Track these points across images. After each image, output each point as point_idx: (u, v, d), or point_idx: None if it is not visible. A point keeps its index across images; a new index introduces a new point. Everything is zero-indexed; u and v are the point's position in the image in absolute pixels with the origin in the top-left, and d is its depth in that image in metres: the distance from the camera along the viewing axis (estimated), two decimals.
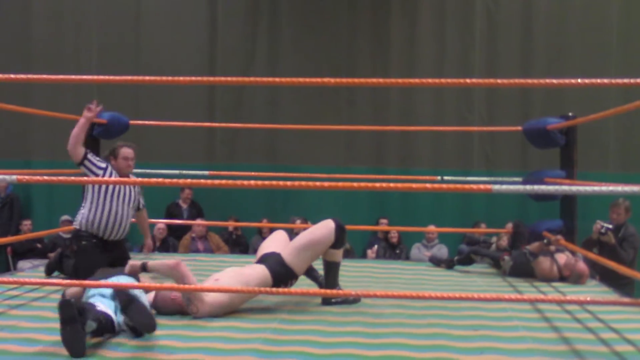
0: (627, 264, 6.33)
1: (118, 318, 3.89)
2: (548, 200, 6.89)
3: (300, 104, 10.26)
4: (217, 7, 10.59)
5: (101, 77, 4.22)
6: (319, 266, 4.89)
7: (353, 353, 3.62)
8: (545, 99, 9.92)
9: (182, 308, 4.30)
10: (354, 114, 10.26)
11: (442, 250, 9.29)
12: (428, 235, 9.57)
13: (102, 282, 4.10)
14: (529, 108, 9.98)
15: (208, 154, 10.50)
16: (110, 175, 5.38)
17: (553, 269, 5.79)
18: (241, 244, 9.88)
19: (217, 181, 3.98)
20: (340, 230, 4.70)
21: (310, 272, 4.96)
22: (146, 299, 4.09)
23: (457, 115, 10.23)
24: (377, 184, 4.09)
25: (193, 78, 4.20)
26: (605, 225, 6.49)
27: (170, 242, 9.27)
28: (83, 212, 5.38)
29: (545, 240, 6.01)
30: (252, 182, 3.86)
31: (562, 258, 5.85)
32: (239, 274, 4.53)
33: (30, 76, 4.27)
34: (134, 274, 4.49)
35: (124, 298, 3.77)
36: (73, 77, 4.28)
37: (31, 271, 6.33)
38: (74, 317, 3.48)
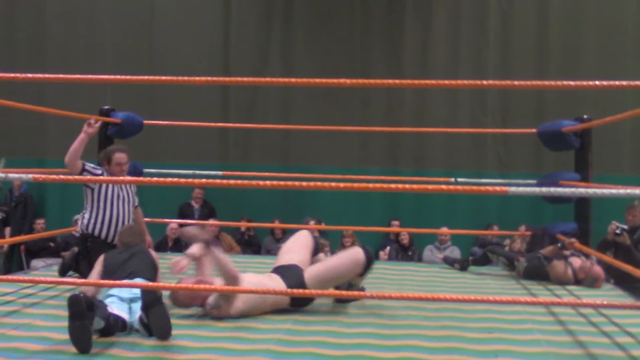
0: None
1: (132, 318, 3.90)
2: (562, 203, 6.85)
3: (313, 104, 10.26)
4: (231, 7, 10.60)
5: (116, 76, 4.22)
6: None
7: (366, 355, 3.61)
8: (559, 100, 9.86)
9: (199, 305, 4.32)
10: (367, 114, 10.25)
11: (454, 252, 9.26)
12: (441, 237, 9.56)
13: (119, 282, 4.11)
14: (543, 109, 9.93)
15: (221, 154, 10.51)
16: None
17: (568, 272, 5.76)
18: (253, 245, 9.89)
19: (232, 181, 3.98)
20: (368, 262, 4.64)
21: None
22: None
23: (470, 116, 10.19)
24: (393, 185, 4.08)
25: (208, 78, 4.19)
26: (621, 226, 6.44)
27: (183, 242, 9.27)
28: (85, 217, 5.43)
29: (559, 244, 5.97)
30: (268, 182, 3.85)
31: (576, 261, 5.82)
32: (262, 285, 4.41)
33: (45, 75, 4.29)
34: (207, 240, 4.63)
35: (151, 297, 3.74)
36: (89, 76, 4.29)
37: (44, 270, 6.35)
38: (83, 312, 3.49)
